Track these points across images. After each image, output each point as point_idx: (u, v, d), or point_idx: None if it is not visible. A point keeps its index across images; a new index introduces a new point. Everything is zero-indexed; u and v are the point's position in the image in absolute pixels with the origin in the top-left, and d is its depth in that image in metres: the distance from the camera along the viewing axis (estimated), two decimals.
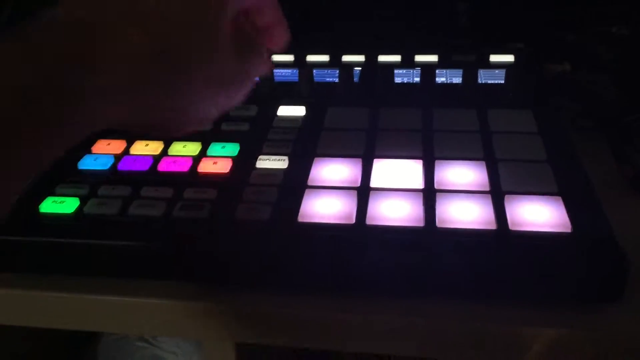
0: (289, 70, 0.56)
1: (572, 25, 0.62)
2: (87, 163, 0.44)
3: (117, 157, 0.44)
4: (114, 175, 0.42)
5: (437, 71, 0.52)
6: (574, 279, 0.34)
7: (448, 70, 0.54)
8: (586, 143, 0.46)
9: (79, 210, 0.39)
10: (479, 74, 0.51)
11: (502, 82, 0.51)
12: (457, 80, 0.52)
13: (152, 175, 0.42)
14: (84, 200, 0.39)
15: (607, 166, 0.47)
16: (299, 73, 0.52)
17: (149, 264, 0.37)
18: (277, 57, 0.57)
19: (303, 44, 0.59)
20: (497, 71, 0.53)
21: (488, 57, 0.55)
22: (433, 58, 0.56)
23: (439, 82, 0.52)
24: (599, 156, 0.47)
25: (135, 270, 0.37)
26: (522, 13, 0.61)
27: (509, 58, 0.55)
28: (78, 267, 0.38)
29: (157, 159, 0.44)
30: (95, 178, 0.42)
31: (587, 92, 0.53)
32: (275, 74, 0.53)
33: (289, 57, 0.57)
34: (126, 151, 0.45)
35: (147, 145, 0.45)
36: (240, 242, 0.36)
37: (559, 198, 0.37)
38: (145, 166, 0.43)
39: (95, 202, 0.39)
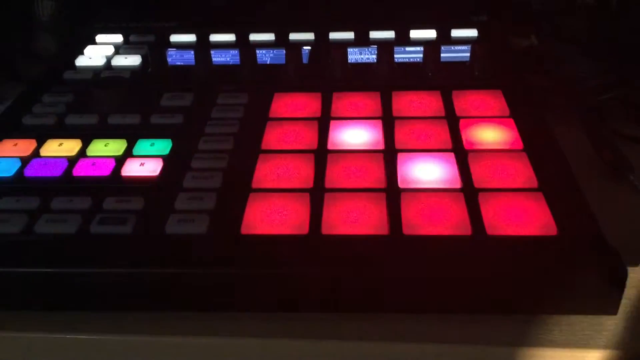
0: (229, 52, 0.49)
1: None
2: None
3: (25, 161, 0.37)
4: (19, 183, 0.36)
5: (395, 49, 0.46)
6: (562, 289, 0.29)
7: (407, 48, 0.49)
8: (558, 123, 0.42)
9: None
10: (441, 51, 0.46)
11: (467, 59, 0.46)
12: (418, 58, 0.47)
13: (65, 182, 0.35)
14: None
15: (582, 149, 0.43)
16: (241, 54, 0.46)
17: (58, 295, 0.31)
18: (215, 37, 0.51)
19: (244, 21, 0.53)
20: (461, 47, 0.48)
21: (449, 32, 0.50)
22: (390, 34, 0.51)
23: (398, 60, 0.47)
24: (573, 138, 0.43)
25: (41, 302, 0.31)
26: None
27: (473, 33, 0.51)
28: None
29: (72, 161, 0.37)
30: None
31: (557, 67, 0.49)
32: (212, 55, 0.47)
33: (229, 37, 0.51)
34: (36, 153, 0.38)
35: (61, 144, 0.38)
36: (171, 262, 0.30)
37: (540, 194, 0.33)
38: (57, 171, 0.36)
39: None
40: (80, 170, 0.36)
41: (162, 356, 0.31)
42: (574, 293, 0.29)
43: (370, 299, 0.30)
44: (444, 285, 0.30)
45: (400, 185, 0.34)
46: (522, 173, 0.34)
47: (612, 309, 0.29)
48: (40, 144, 0.38)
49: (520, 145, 0.37)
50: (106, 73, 0.47)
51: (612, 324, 0.30)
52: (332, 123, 0.39)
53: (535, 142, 0.37)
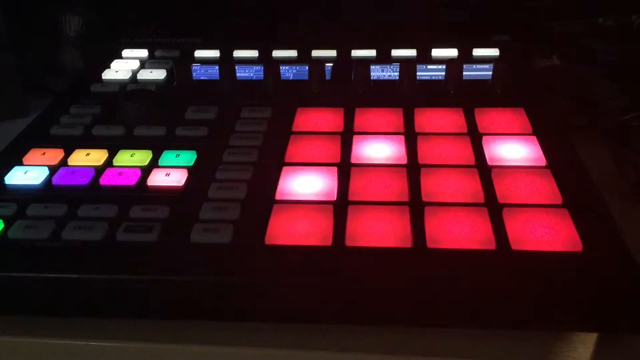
0: (253, 67, 0.50)
1: (558, 17, 0.57)
2: (15, 177, 0.37)
3: (53, 169, 0.38)
4: (47, 191, 0.36)
5: (417, 66, 0.46)
6: (587, 306, 0.29)
7: (429, 66, 0.49)
8: (581, 143, 0.42)
9: (3, 234, 0.33)
10: (463, 70, 0.46)
11: (489, 78, 0.46)
12: (440, 76, 0.48)
13: (92, 190, 0.36)
14: (9, 223, 0.33)
15: (605, 169, 0.43)
16: (264, 70, 0.46)
17: (82, 301, 0.31)
18: (239, 53, 0.52)
19: (268, 38, 0.54)
20: (482, 66, 0.48)
21: (471, 51, 0.51)
22: (411, 52, 0.51)
23: (420, 78, 0.47)
24: (596, 158, 0.43)
25: (66, 308, 0.31)
26: (505, 3, 0.57)
27: (494, 52, 0.51)
28: None
29: (99, 170, 0.37)
30: (25, 195, 0.36)
31: (579, 87, 0.49)
32: (237, 71, 0.47)
33: (253, 53, 0.52)
34: (63, 162, 0.39)
35: (88, 154, 0.39)
36: (196, 271, 0.30)
37: (564, 210, 0.33)
38: (85, 179, 0.37)
39: (22, 224, 0.33)
40: (107, 179, 0.37)
41: None
42: (599, 310, 0.29)
43: (393, 312, 0.30)
44: (467, 300, 0.29)
45: (424, 199, 0.34)
46: (546, 189, 0.34)
47: (637, 327, 0.29)
48: (68, 153, 0.39)
49: (543, 162, 0.37)
50: (132, 86, 0.48)
51: (637, 342, 0.30)
52: (355, 137, 0.40)
53: (558, 160, 0.37)
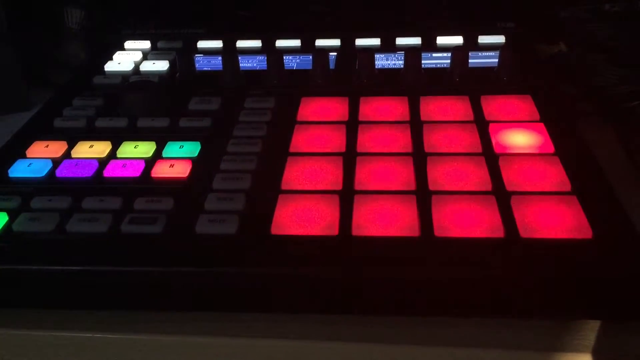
0: (256, 57, 0.50)
1: (564, 3, 0.57)
2: (19, 169, 0.37)
3: (56, 162, 0.38)
4: (51, 183, 0.36)
5: (422, 54, 0.46)
6: (598, 294, 0.29)
7: (434, 54, 0.48)
8: (589, 130, 0.41)
9: (7, 227, 0.32)
10: (469, 57, 0.45)
11: (495, 65, 0.46)
12: (445, 64, 0.47)
13: (96, 182, 0.36)
14: (13, 216, 0.33)
15: (613, 155, 0.42)
16: (268, 60, 0.46)
17: (88, 293, 0.31)
18: (242, 43, 0.51)
19: (271, 28, 0.53)
20: (488, 53, 0.48)
21: (476, 39, 0.50)
22: (416, 40, 0.51)
23: (425, 66, 0.47)
24: (604, 144, 0.43)
25: (71, 301, 0.31)
26: None
27: (500, 39, 0.50)
28: (3, 298, 0.31)
29: (103, 162, 0.37)
30: (29, 187, 0.35)
31: (586, 74, 0.48)
32: (240, 61, 0.47)
33: (256, 43, 0.51)
34: (67, 154, 0.38)
35: (91, 146, 0.39)
36: (201, 262, 0.30)
37: (573, 197, 0.32)
38: (89, 172, 0.36)
39: (26, 216, 0.33)
40: (111, 171, 0.36)
41: (191, 356, 0.31)
42: (610, 297, 0.29)
43: (402, 301, 0.30)
44: (477, 288, 0.29)
45: (431, 187, 0.33)
46: (555, 176, 0.34)
47: None
48: (72, 145, 0.39)
49: (551, 149, 0.36)
50: (135, 78, 0.48)
51: None
52: (360, 127, 0.39)
53: (566, 146, 0.36)
